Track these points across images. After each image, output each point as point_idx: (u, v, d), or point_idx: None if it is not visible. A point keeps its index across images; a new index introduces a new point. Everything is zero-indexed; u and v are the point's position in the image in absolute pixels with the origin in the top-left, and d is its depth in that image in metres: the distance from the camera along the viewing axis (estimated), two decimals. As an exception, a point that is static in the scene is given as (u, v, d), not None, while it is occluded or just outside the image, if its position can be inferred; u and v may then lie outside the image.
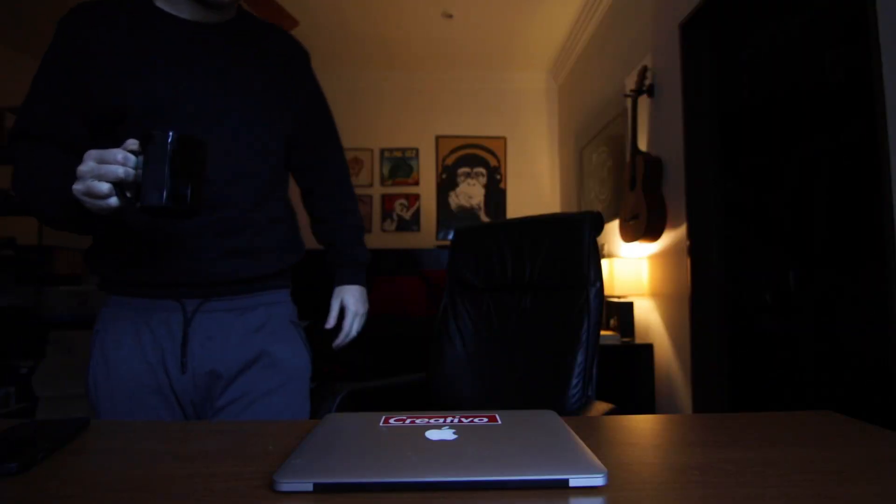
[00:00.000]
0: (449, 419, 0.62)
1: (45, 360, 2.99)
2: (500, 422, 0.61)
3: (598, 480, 0.45)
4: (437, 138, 4.47)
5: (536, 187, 4.47)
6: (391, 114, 4.44)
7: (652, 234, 2.37)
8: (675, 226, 2.25)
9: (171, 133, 0.65)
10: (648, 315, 2.54)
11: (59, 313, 3.65)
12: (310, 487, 0.45)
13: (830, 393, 1.52)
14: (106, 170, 0.65)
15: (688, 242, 2.12)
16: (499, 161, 4.46)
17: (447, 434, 0.56)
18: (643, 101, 2.57)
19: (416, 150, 4.45)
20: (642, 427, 0.71)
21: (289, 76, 1.00)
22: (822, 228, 1.56)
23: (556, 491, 0.44)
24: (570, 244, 1.21)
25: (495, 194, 4.45)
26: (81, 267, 4.00)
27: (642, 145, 2.57)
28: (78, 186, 0.67)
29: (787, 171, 1.71)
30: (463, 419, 0.62)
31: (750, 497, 0.44)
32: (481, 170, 4.46)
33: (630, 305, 2.57)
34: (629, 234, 2.53)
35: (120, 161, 0.65)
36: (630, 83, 2.65)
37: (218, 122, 0.88)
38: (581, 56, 3.79)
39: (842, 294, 1.49)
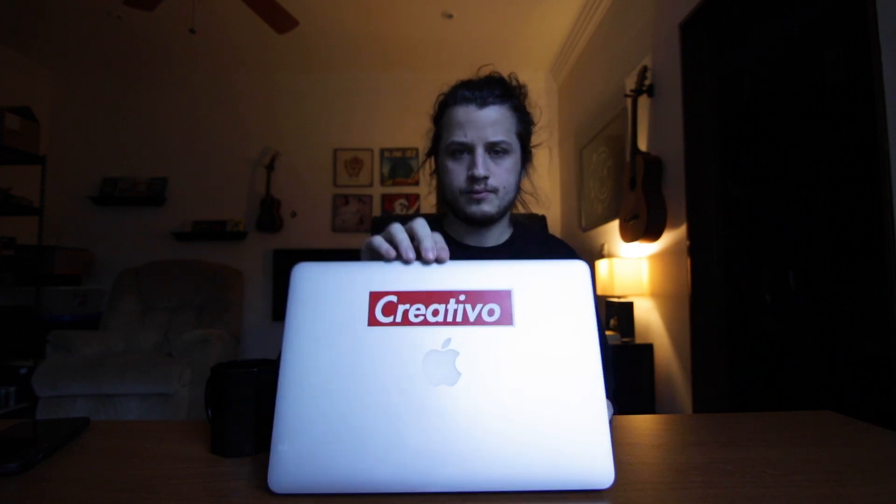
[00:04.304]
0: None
1: (45, 360, 2.99)
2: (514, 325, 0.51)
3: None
4: (437, 138, 4.45)
5: (536, 187, 4.46)
6: (391, 114, 4.43)
7: (652, 234, 2.37)
8: (675, 226, 2.25)
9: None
10: (648, 315, 2.54)
11: (59, 313, 3.65)
12: (310, 488, 0.45)
13: (830, 393, 1.52)
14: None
15: (688, 242, 2.11)
16: (499, 161, 4.46)
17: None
18: (643, 101, 2.57)
19: (416, 150, 4.44)
20: (642, 427, 0.71)
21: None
22: (822, 228, 1.56)
23: (559, 491, 0.44)
24: None
25: (495, 194, 4.45)
26: (81, 267, 4.01)
27: (642, 145, 2.57)
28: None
29: (788, 171, 1.71)
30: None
31: (750, 497, 0.44)
32: (481, 170, 4.45)
33: (630, 305, 2.57)
34: (629, 234, 2.53)
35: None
36: (630, 83, 2.65)
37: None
38: (581, 56, 3.79)
39: (842, 294, 1.49)
